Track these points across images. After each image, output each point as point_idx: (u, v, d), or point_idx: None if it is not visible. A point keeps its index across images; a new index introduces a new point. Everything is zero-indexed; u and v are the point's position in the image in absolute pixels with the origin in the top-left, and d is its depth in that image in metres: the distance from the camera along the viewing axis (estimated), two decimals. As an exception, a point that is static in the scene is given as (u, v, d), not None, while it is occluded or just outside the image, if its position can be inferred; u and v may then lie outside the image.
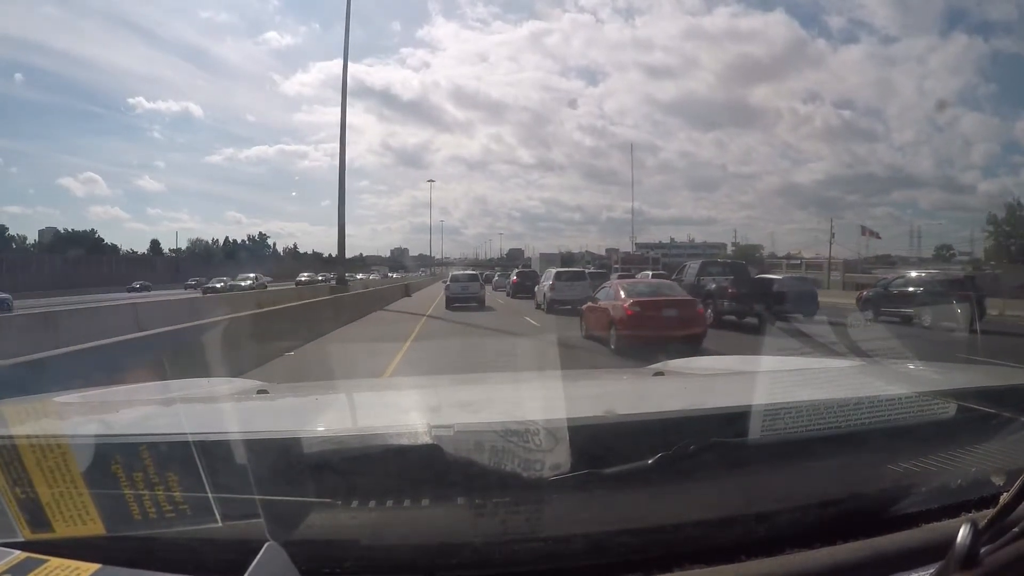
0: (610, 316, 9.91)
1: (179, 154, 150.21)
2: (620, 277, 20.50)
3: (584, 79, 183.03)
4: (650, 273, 26.66)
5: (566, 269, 22.52)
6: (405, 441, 0.84)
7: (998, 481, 0.76)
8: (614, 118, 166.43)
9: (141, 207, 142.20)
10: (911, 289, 14.96)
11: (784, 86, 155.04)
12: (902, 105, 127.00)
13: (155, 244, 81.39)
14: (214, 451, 0.78)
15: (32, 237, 75.64)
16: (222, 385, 1.86)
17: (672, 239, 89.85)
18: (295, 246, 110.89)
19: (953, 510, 0.82)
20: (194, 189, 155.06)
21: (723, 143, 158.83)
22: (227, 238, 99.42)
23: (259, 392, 1.60)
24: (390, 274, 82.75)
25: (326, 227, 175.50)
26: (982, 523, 0.61)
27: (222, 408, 1.27)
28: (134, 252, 74.01)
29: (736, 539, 0.76)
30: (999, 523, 0.62)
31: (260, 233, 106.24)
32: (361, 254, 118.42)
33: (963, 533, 0.58)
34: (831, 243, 46.81)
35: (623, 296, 9.96)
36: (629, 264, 34.58)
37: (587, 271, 25.73)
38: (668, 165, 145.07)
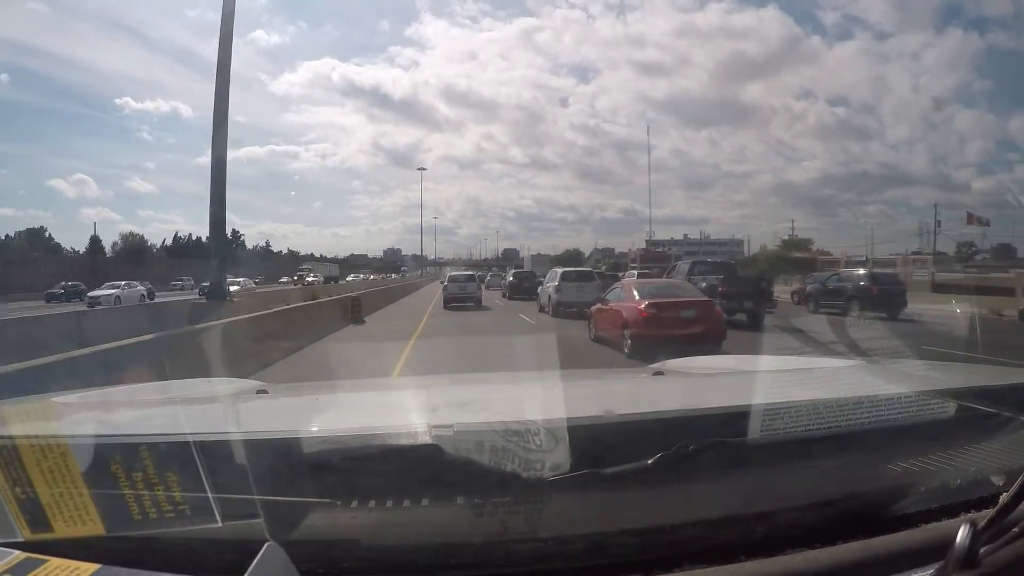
0: (623, 318, 9.85)
1: (169, 155, 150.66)
2: (602, 277, 21.61)
3: (576, 77, 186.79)
4: (635, 272, 26.52)
5: (574, 269, 21.68)
6: (405, 441, 0.87)
7: (998, 481, 0.79)
8: (606, 116, 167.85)
9: (132, 209, 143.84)
10: (843, 285, 18.06)
11: (777, 83, 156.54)
12: (897, 102, 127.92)
13: (95, 241, 70.66)
14: (214, 451, 0.80)
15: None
16: (222, 385, 1.88)
17: (686, 236, 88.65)
18: (267, 243, 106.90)
19: (953, 510, 0.84)
20: (185, 190, 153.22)
21: (716, 141, 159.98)
22: (176, 234, 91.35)
23: (259, 392, 1.63)
24: (347, 277, 66.24)
25: (319, 228, 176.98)
26: (981, 523, 0.63)
27: (222, 408, 1.30)
28: (75, 251, 66.32)
29: (736, 539, 0.78)
30: (998, 523, 0.64)
31: (233, 231, 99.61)
32: (352, 254, 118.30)
33: (962, 534, 0.60)
34: (936, 234, 44.24)
35: (637, 297, 9.89)
36: (648, 262, 33.60)
37: (599, 271, 25.39)
38: (661, 164, 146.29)
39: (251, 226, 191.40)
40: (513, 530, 0.76)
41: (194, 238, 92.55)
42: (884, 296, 16.42)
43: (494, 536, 0.76)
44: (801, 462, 0.94)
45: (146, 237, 79.13)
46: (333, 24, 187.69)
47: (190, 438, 0.82)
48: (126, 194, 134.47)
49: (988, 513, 0.68)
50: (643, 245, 61.36)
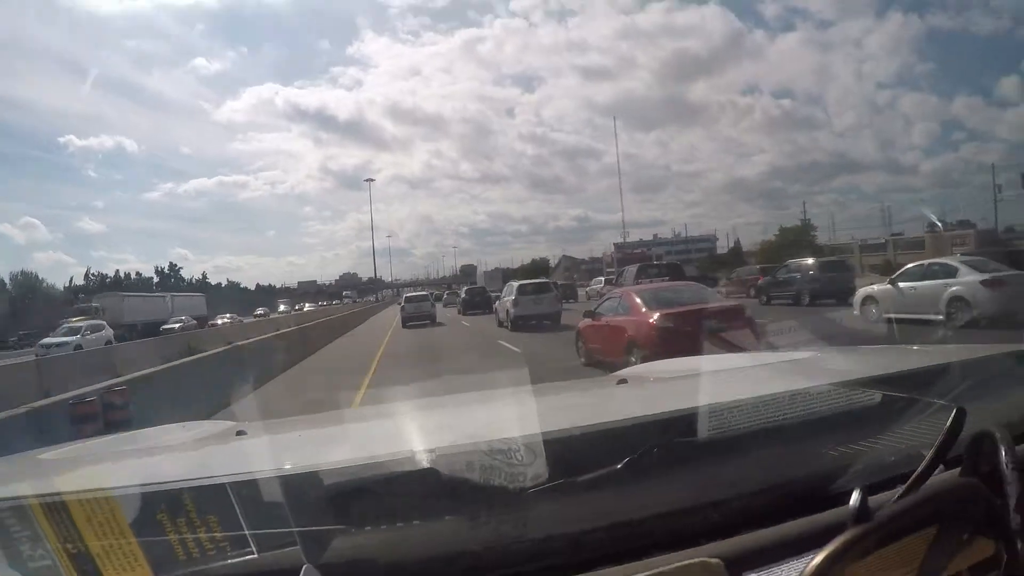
0: (627, 335, 7.73)
1: (117, 192, 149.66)
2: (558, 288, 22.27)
3: (520, 86, 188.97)
4: (603, 279, 25.68)
5: (530, 282, 21.59)
6: (407, 467, 0.92)
7: (915, 460, 0.81)
8: (554, 124, 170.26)
9: (84, 250, 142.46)
10: (792, 275, 19.16)
11: (722, 80, 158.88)
12: (841, 90, 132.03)
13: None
14: (246, 491, 0.85)
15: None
16: (202, 427, 1.89)
17: (656, 235, 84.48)
18: (204, 275, 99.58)
19: (885, 486, 0.89)
20: (136, 227, 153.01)
21: (665, 143, 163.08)
22: (88, 271, 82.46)
23: (238, 433, 1.60)
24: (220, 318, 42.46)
25: (273, 258, 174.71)
26: (875, 478, 0.74)
27: (243, 449, 1.39)
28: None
29: (695, 526, 0.86)
30: (890, 486, 0.77)
31: (171, 264, 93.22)
32: (299, 282, 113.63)
33: (855, 497, 0.68)
34: (996, 202, 39.10)
35: (643, 308, 7.73)
36: (626, 263, 31.81)
37: (558, 282, 25.26)
38: (611, 169, 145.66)
39: (206, 261, 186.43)
40: (505, 535, 0.84)
41: (123, 274, 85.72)
42: (832, 284, 17.61)
43: (489, 542, 0.83)
44: (747, 453, 1.00)
45: (41, 277, 67.98)
46: (273, 47, 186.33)
47: (225, 480, 0.88)
48: (76, 235, 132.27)
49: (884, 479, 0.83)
50: (611, 249, 59.67)
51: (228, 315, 45.62)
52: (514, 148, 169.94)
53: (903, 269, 12.76)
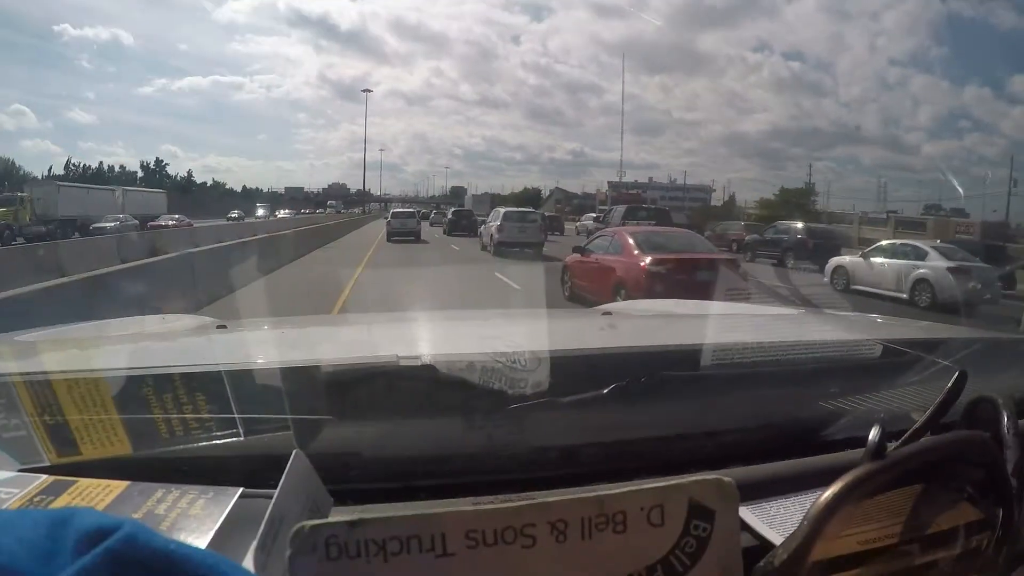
0: (616, 276, 8.16)
1: (110, 84, 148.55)
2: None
3: (529, 15, 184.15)
4: (594, 216, 25.77)
5: (516, 209, 22.51)
6: (405, 363, 0.93)
7: (916, 416, 0.85)
8: (558, 56, 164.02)
9: (72, 140, 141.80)
10: (780, 236, 19.88)
11: (734, 34, 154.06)
12: (852, 61, 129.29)
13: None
14: (235, 377, 0.86)
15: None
16: (181, 321, 1.89)
17: (651, 179, 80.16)
18: (189, 173, 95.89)
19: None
20: (127, 121, 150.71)
21: (669, 88, 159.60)
22: (69, 161, 79.03)
23: (218, 327, 1.61)
24: None
25: (263, 160, 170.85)
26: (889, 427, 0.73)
27: (228, 341, 1.40)
28: None
29: (688, 453, 0.88)
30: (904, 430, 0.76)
31: (158, 159, 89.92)
32: (286, 187, 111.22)
33: (874, 432, 0.67)
34: (1010, 193, 37.16)
35: (636, 250, 8.17)
36: (620, 203, 31.00)
37: (544, 213, 25.89)
38: (612, 107, 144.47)
39: (195, 159, 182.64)
40: (498, 442, 0.84)
41: (107, 167, 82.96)
42: (819, 250, 17.67)
43: (481, 447, 0.84)
44: (745, 392, 1.04)
45: (19, 164, 64.02)
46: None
47: (212, 367, 0.91)
48: (66, 125, 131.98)
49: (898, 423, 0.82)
50: (605, 186, 59.30)
51: (176, 216, 38.66)
52: (516, 75, 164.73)
53: (876, 245, 13.40)
